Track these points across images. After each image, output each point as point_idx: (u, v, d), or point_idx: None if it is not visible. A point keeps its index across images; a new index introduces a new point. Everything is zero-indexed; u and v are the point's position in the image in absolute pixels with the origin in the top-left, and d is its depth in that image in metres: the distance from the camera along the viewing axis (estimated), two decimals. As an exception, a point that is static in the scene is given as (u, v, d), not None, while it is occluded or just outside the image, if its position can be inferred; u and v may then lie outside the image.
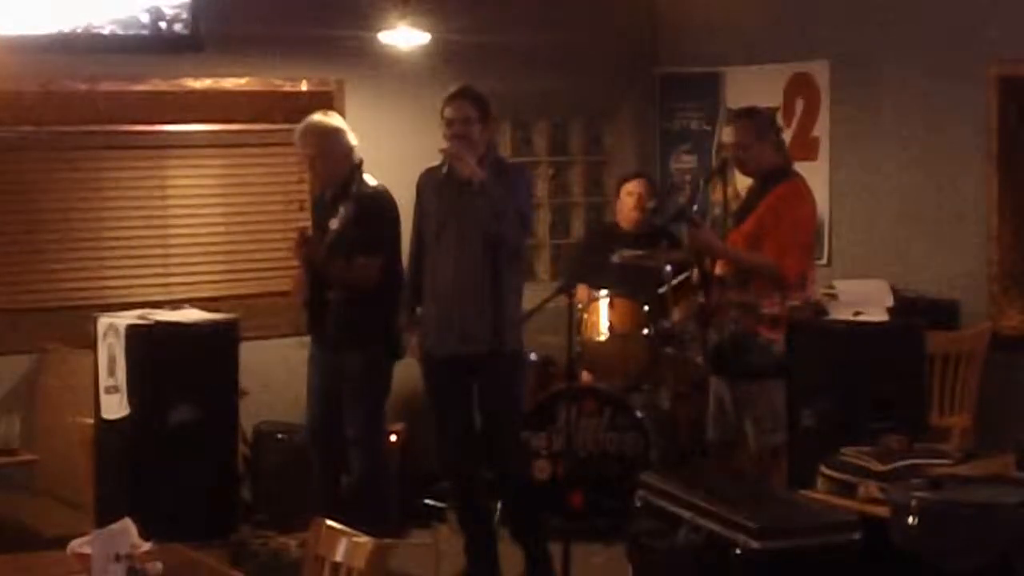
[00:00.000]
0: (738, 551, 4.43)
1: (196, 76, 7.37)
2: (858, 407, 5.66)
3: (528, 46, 7.91)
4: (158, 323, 6.32)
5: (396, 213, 6.40)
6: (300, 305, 6.48)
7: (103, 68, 7.15)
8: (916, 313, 6.42)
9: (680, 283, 6.96)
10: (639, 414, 7.09)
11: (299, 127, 6.48)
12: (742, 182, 6.67)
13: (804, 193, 6.31)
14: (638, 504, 5.04)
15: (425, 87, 7.48)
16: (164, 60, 7.22)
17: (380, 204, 6.36)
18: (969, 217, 7.09)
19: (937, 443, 5.64)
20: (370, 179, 6.40)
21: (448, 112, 6.05)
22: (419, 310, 6.26)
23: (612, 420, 7.10)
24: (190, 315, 6.49)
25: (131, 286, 7.37)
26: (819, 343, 5.94)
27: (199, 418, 6.23)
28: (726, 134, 6.47)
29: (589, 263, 7.54)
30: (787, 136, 7.03)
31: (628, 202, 7.70)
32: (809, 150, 7.67)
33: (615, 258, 7.15)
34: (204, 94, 7.41)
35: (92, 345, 6.35)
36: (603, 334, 7.14)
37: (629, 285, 7.18)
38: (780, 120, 7.34)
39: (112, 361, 6.22)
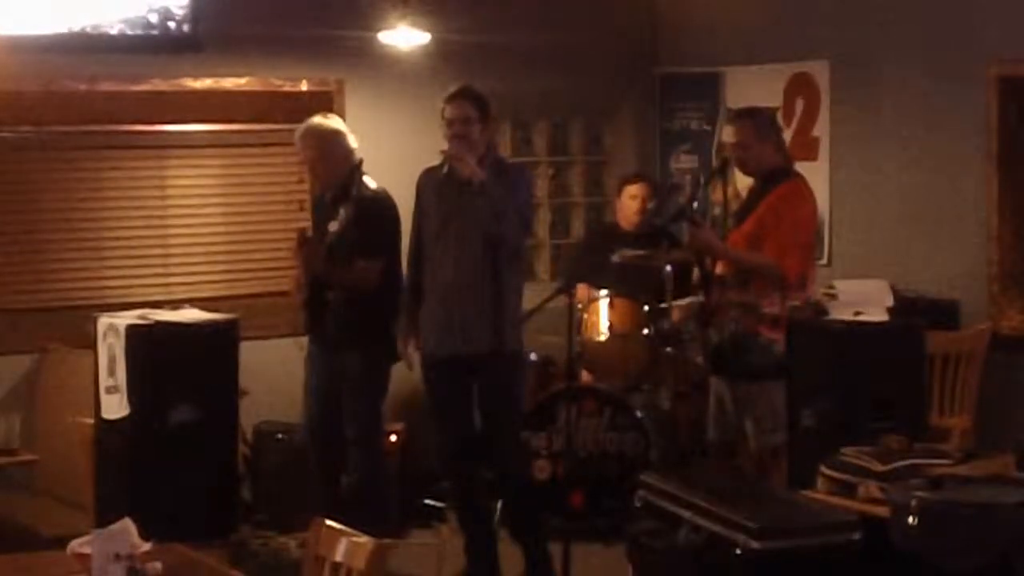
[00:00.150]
0: (738, 551, 4.43)
1: (196, 76, 7.37)
2: (858, 407, 5.66)
3: (528, 46, 7.91)
4: (158, 323, 6.32)
5: (396, 215, 6.41)
6: (299, 305, 6.49)
7: (103, 68, 7.15)
8: (916, 313, 6.42)
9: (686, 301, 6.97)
10: (639, 414, 7.09)
11: (299, 129, 6.49)
12: (742, 182, 6.66)
13: (805, 193, 6.31)
14: (638, 504, 5.03)
15: (425, 87, 7.48)
16: (164, 60, 7.22)
17: (380, 206, 6.36)
18: (969, 217, 7.09)
19: (937, 443, 5.64)
20: (370, 181, 6.40)
21: (448, 112, 6.05)
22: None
23: (612, 420, 7.10)
24: (190, 315, 6.49)
25: (131, 286, 7.37)
26: (819, 343, 5.94)
27: (199, 418, 6.23)
28: (727, 134, 6.47)
29: (589, 263, 7.54)
30: (787, 136, 7.02)
31: (631, 205, 7.68)
32: (809, 150, 7.67)
33: (615, 258, 7.15)
34: (204, 94, 7.41)
35: (92, 345, 6.36)
36: (603, 334, 7.14)
37: (629, 285, 7.18)
38: (780, 120, 7.34)
39: (112, 361, 6.22)
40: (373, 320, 6.27)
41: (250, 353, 6.69)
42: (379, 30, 7.57)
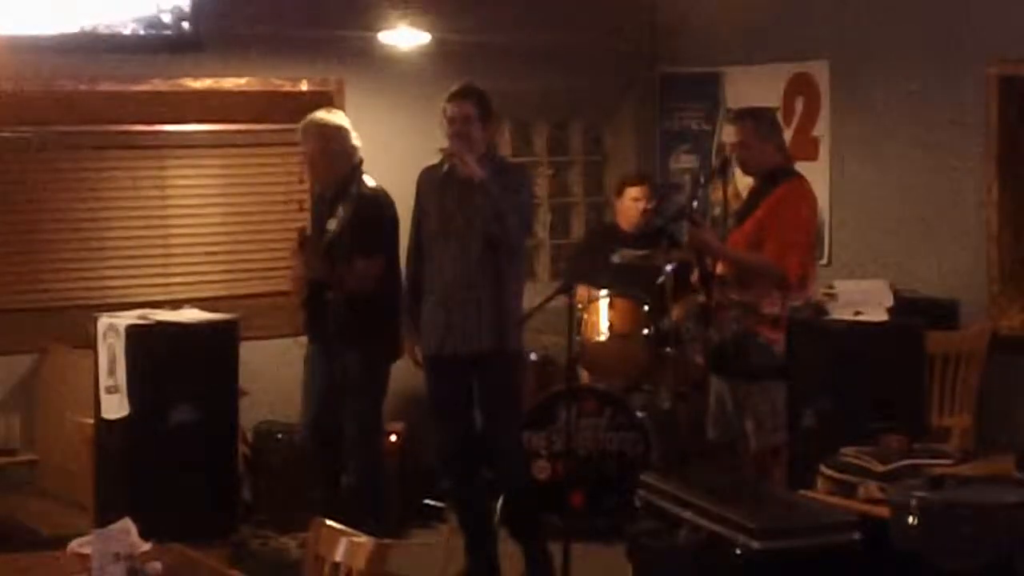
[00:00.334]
0: (738, 551, 4.43)
1: (196, 76, 7.36)
2: (858, 407, 5.66)
3: (528, 46, 7.90)
4: (158, 323, 6.32)
5: (394, 214, 6.40)
6: (298, 305, 6.49)
7: (103, 68, 7.14)
8: (916, 313, 6.41)
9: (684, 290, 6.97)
10: (639, 414, 7.09)
11: (302, 123, 6.47)
12: (742, 182, 6.66)
13: (805, 193, 6.31)
14: (638, 504, 5.03)
15: (425, 87, 7.48)
16: (164, 60, 7.22)
17: (379, 205, 6.35)
18: (969, 217, 7.09)
19: (937, 443, 5.64)
20: (369, 180, 6.40)
21: (449, 111, 6.05)
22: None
23: (612, 420, 7.10)
24: (190, 315, 6.49)
25: (131, 286, 7.37)
26: (819, 343, 5.94)
27: (199, 418, 6.23)
28: (728, 134, 6.47)
29: (589, 263, 7.53)
30: (787, 136, 7.02)
31: (633, 207, 7.68)
32: (809, 150, 7.67)
33: (615, 258, 7.15)
34: (204, 94, 7.41)
35: (92, 345, 6.35)
36: (603, 334, 7.14)
37: (629, 285, 7.18)
38: (780, 120, 7.33)
39: (112, 361, 6.22)
40: (373, 320, 6.27)
41: (250, 353, 6.69)
42: (379, 30, 7.57)
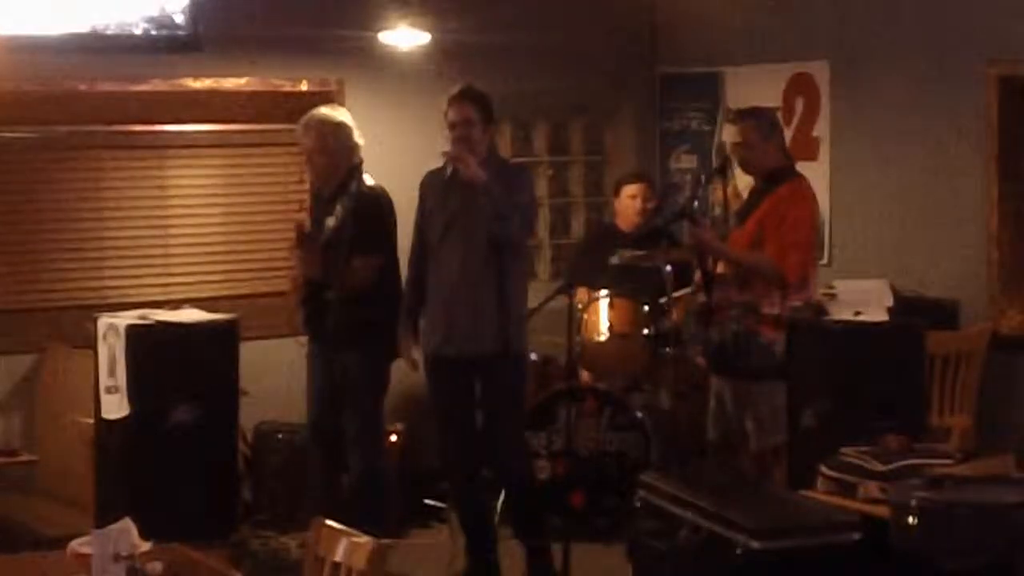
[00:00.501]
0: (738, 551, 4.43)
1: (196, 76, 7.36)
2: (858, 407, 5.66)
3: (528, 46, 7.90)
4: (158, 323, 6.32)
5: (393, 213, 6.40)
6: (296, 304, 6.49)
7: (103, 68, 7.14)
8: (916, 313, 6.42)
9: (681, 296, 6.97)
10: (639, 414, 7.09)
11: (303, 119, 6.46)
12: (742, 182, 6.66)
13: (806, 193, 6.31)
14: (638, 504, 5.03)
15: (425, 87, 7.49)
16: (164, 60, 7.22)
17: (377, 203, 6.35)
18: (969, 217, 7.09)
19: (937, 443, 5.64)
20: (368, 179, 6.39)
21: (450, 115, 6.05)
22: (421, 321, 6.27)
23: (612, 420, 7.10)
24: (190, 315, 6.49)
25: (131, 286, 7.38)
26: (819, 343, 5.94)
27: (199, 418, 6.23)
28: (729, 134, 6.46)
29: (589, 263, 7.53)
30: (787, 136, 7.02)
31: (631, 205, 7.69)
32: (809, 150, 7.67)
33: (615, 259, 7.15)
34: (204, 94, 7.41)
35: (92, 345, 6.35)
36: (603, 334, 7.14)
37: (629, 285, 7.18)
38: (780, 120, 7.34)
39: (112, 361, 6.22)
40: (373, 320, 6.27)
41: (250, 353, 6.68)
42: (379, 30, 7.57)
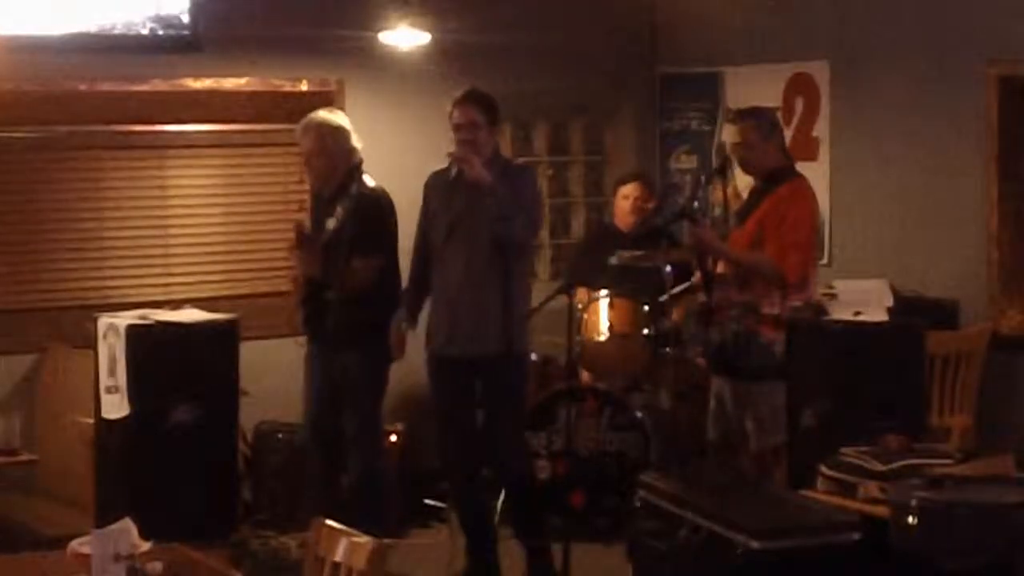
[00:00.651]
0: (738, 551, 4.43)
1: (196, 76, 7.36)
2: (858, 407, 5.66)
3: (528, 46, 7.90)
4: (158, 323, 6.32)
5: (394, 214, 6.40)
6: (295, 304, 6.49)
7: (103, 68, 7.14)
8: (916, 313, 6.42)
9: (681, 291, 6.96)
10: (639, 414, 7.09)
11: (302, 122, 6.47)
12: (742, 182, 6.66)
13: (806, 193, 6.31)
14: (638, 504, 5.03)
15: (425, 87, 7.49)
16: (164, 60, 7.22)
17: (378, 204, 6.35)
18: (969, 217, 7.09)
19: (937, 443, 5.64)
20: (368, 180, 6.40)
21: (455, 117, 6.06)
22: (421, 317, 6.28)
23: (612, 420, 7.10)
24: (190, 315, 6.49)
25: (131, 286, 7.38)
26: (819, 343, 5.94)
27: (199, 418, 6.23)
28: (729, 134, 6.46)
29: (589, 263, 7.53)
30: (787, 136, 7.02)
31: (624, 205, 7.70)
32: (809, 150, 7.67)
33: (614, 259, 7.15)
34: (204, 94, 7.41)
35: (92, 345, 6.36)
36: (603, 334, 7.13)
37: (629, 285, 7.18)
38: (780, 120, 7.34)
39: (112, 361, 6.22)
40: (373, 320, 6.27)
41: (250, 353, 6.68)
42: (379, 30, 7.57)
